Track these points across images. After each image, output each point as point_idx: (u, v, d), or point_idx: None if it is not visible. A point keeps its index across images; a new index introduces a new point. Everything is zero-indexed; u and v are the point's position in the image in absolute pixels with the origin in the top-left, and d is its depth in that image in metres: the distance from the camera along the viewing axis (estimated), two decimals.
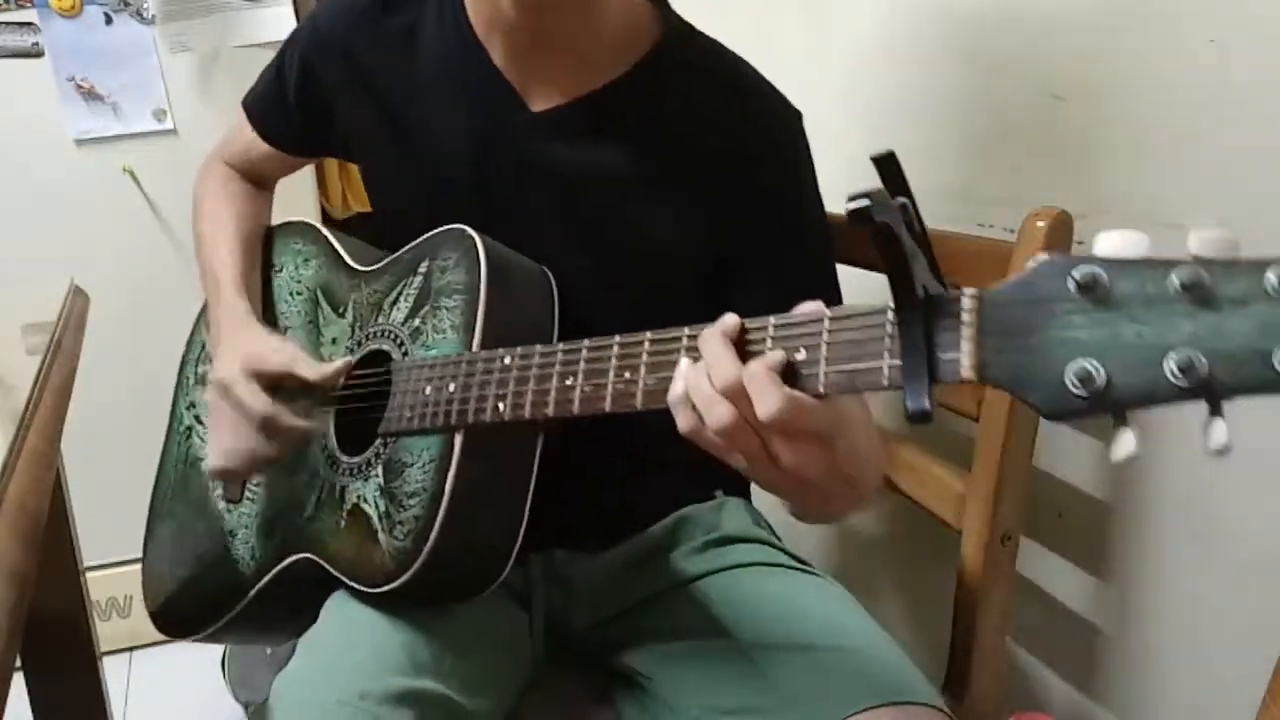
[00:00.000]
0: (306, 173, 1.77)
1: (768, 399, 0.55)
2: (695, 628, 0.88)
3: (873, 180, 0.52)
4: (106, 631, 1.60)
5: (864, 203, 0.49)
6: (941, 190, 1.12)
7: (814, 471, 0.58)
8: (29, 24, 1.61)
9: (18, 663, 0.72)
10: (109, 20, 1.63)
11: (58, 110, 1.65)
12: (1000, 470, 0.85)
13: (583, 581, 0.95)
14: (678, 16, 0.92)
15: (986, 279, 0.84)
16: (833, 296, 0.91)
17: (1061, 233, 0.82)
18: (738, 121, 0.87)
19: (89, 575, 1.22)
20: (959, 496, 0.90)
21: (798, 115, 0.90)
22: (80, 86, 1.65)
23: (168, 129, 1.69)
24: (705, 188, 0.87)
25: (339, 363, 0.89)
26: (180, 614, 1.01)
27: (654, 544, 0.96)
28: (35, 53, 1.62)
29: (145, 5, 1.63)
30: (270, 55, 1.04)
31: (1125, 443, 0.45)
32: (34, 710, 1.16)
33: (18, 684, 0.76)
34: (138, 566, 1.06)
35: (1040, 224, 0.82)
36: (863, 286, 0.94)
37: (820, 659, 0.80)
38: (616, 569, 0.95)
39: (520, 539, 0.80)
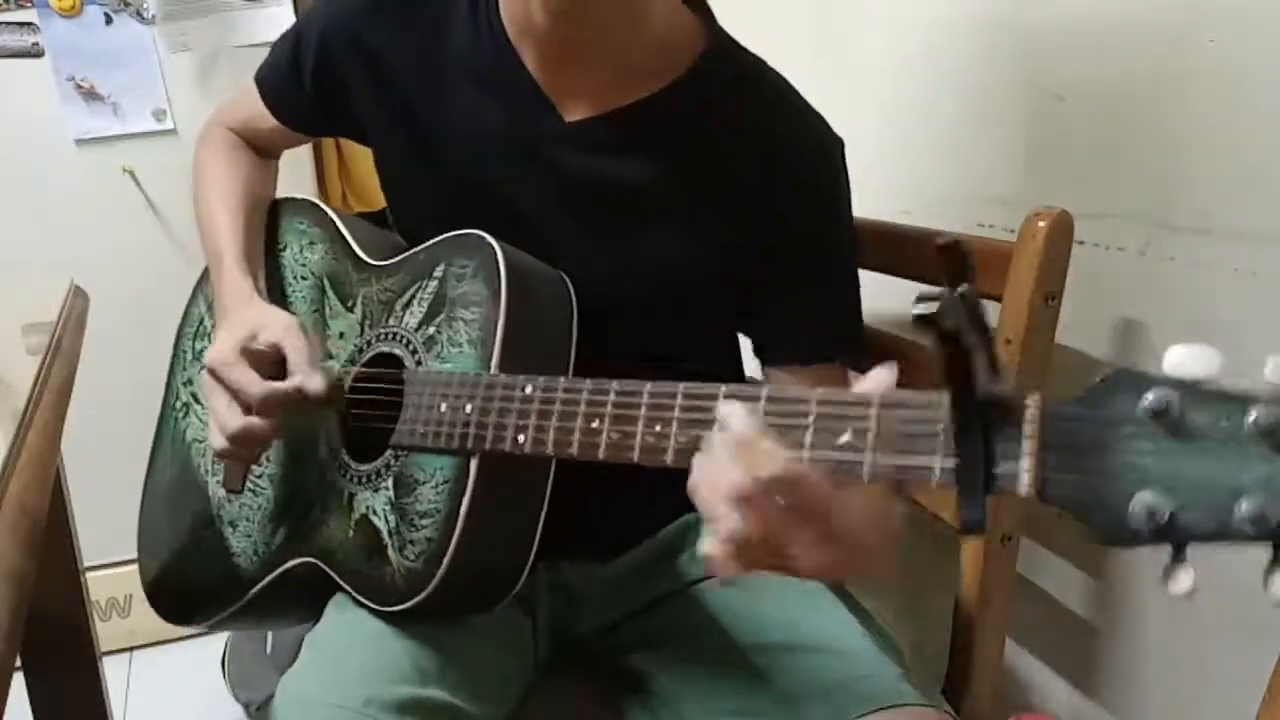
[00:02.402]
0: (306, 173, 1.77)
1: (770, 460, 0.52)
2: (699, 631, 0.88)
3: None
4: (106, 631, 1.60)
5: (931, 307, 0.45)
6: (942, 190, 1.12)
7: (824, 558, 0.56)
8: (29, 24, 1.61)
9: (18, 663, 0.72)
10: (109, 20, 1.63)
11: (58, 110, 1.65)
12: None
13: (588, 589, 0.94)
14: (722, 30, 0.88)
15: (987, 279, 0.85)
16: (854, 332, 0.90)
17: (1061, 233, 0.82)
18: (775, 146, 0.84)
19: (89, 575, 1.22)
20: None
21: (839, 143, 0.86)
22: (80, 86, 1.65)
23: (168, 129, 1.69)
24: (735, 211, 0.84)
25: (325, 383, 0.84)
26: (179, 601, 1.01)
27: (659, 550, 0.95)
28: (35, 53, 1.62)
29: (145, 5, 1.63)
30: None
31: (1184, 579, 0.44)
32: (34, 710, 1.16)
33: (18, 684, 0.76)
34: (137, 566, 1.06)
35: (1040, 224, 0.82)
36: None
37: (823, 662, 0.80)
38: (622, 576, 0.95)
39: (532, 559, 0.79)
